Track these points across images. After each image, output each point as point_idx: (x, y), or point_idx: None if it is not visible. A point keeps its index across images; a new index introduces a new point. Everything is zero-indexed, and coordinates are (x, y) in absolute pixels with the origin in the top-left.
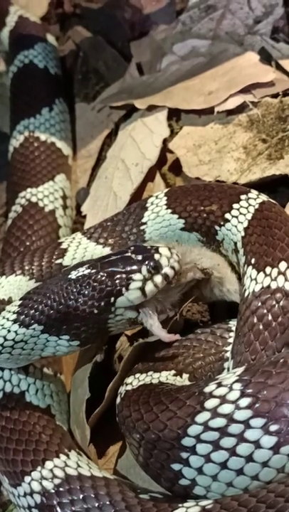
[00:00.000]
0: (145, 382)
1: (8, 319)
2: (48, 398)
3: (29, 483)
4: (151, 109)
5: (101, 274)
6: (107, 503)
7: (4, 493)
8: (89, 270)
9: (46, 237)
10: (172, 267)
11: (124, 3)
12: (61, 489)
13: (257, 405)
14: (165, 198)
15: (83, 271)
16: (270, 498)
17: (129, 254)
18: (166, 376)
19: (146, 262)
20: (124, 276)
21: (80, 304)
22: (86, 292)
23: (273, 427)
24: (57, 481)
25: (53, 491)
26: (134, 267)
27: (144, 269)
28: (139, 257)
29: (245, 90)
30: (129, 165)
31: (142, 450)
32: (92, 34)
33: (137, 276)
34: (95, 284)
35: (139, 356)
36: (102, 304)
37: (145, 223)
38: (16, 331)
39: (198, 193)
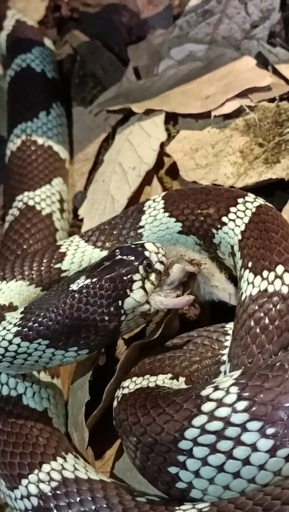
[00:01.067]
0: (142, 385)
1: (9, 331)
2: (45, 401)
3: (26, 486)
4: (149, 113)
5: (103, 281)
6: (104, 505)
7: (1, 495)
8: (89, 280)
9: (43, 240)
10: (161, 262)
11: (121, 7)
12: (58, 492)
13: (254, 408)
14: (162, 201)
15: (84, 281)
16: (266, 501)
17: (120, 256)
18: (163, 379)
19: (141, 261)
20: (125, 278)
21: (89, 314)
22: (93, 301)
23: (270, 430)
24: (54, 484)
25: (50, 494)
26: (132, 268)
27: (141, 268)
28: (132, 258)
29: (242, 94)
30: (127, 168)
31: (138, 453)
32: (89, 38)
33: (136, 276)
34: (101, 291)
35: (135, 358)
36: (112, 309)
37: (143, 227)
38: (18, 344)
39: (196, 197)
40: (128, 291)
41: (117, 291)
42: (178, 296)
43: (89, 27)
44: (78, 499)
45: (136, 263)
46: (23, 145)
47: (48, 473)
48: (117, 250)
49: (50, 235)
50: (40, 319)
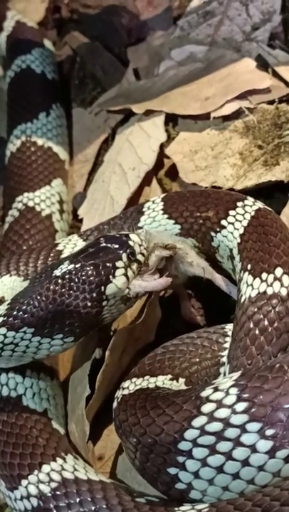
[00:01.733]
0: (142, 386)
1: None
2: (45, 402)
3: (26, 487)
4: (149, 113)
5: (86, 267)
6: (104, 506)
7: (0, 496)
8: (73, 265)
9: (43, 241)
10: (142, 254)
11: (121, 9)
12: (58, 493)
13: (253, 410)
14: (162, 203)
15: (67, 267)
16: (265, 502)
17: (104, 244)
18: (163, 381)
19: (125, 249)
20: (108, 265)
21: (72, 300)
22: (76, 287)
23: (269, 432)
24: (54, 485)
25: (49, 495)
26: (116, 255)
27: (124, 256)
28: (116, 246)
29: (242, 96)
30: (126, 169)
31: (138, 454)
32: (89, 39)
33: (119, 263)
34: (83, 277)
35: (122, 344)
36: (94, 294)
37: (141, 228)
38: (4, 334)
39: (195, 199)
40: (111, 277)
41: (100, 277)
42: (155, 280)
43: (89, 28)
44: (78, 500)
45: (120, 251)
46: (23, 146)
47: (48, 474)
48: (102, 238)
49: (49, 236)
50: (24, 307)
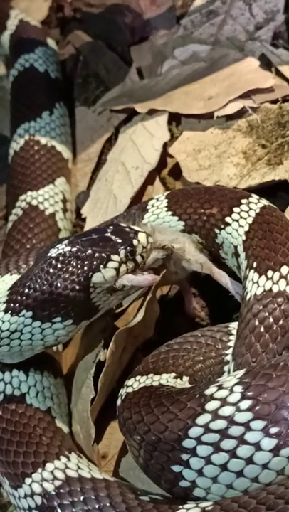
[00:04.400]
0: (146, 384)
1: None
2: (49, 400)
3: (30, 485)
4: (152, 112)
5: (81, 252)
6: (108, 504)
7: (4, 494)
8: (69, 248)
9: (46, 240)
10: (142, 256)
11: (124, 8)
12: (62, 491)
13: (257, 408)
14: (166, 200)
15: (63, 248)
16: (270, 500)
17: (109, 234)
18: (167, 379)
19: (125, 246)
20: (103, 255)
21: (61, 281)
22: (66, 269)
23: (273, 430)
24: (57, 483)
25: (53, 493)
26: (114, 249)
27: (122, 252)
28: (119, 240)
29: (245, 96)
30: (130, 168)
31: (142, 452)
32: (92, 38)
33: (115, 257)
34: (76, 260)
35: (122, 343)
36: (82, 279)
37: (145, 225)
38: (8, 321)
39: (199, 196)
40: (101, 267)
41: (90, 264)
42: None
43: (92, 27)
44: (82, 498)
45: (120, 247)
46: (26, 145)
47: (52, 472)
48: (111, 227)
49: (53, 235)
50: (21, 289)
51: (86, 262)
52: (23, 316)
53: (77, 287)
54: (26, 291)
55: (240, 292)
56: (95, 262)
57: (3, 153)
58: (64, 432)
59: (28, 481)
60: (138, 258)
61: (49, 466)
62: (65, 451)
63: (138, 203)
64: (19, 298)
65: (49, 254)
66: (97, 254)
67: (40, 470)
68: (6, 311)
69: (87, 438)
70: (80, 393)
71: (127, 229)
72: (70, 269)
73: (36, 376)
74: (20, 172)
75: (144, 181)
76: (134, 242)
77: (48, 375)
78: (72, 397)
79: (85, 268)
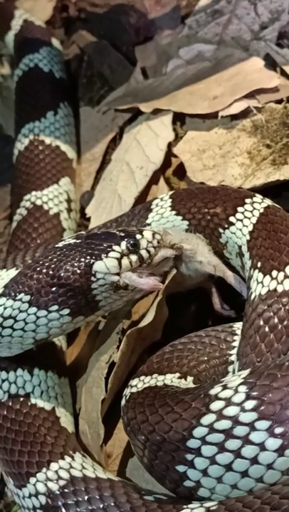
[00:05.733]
0: (150, 384)
1: None
2: (53, 400)
3: (34, 485)
4: (157, 112)
5: (85, 242)
6: (112, 504)
7: (9, 494)
8: (75, 240)
9: (51, 239)
10: (148, 251)
11: (129, 8)
12: (66, 490)
13: (262, 408)
14: (170, 199)
15: (69, 240)
16: (274, 500)
17: (114, 231)
18: (171, 379)
19: (127, 239)
20: (105, 245)
21: (63, 265)
22: (70, 256)
23: (278, 430)
24: (62, 483)
25: (58, 492)
26: (116, 241)
27: (123, 243)
28: (122, 234)
29: (250, 95)
30: (134, 168)
31: (146, 452)
32: (96, 38)
33: (116, 247)
34: (78, 249)
35: (133, 345)
36: (83, 265)
37: (149, 224)
38: (3, 304)
39: (203, 196)
40: (103, 255)
41: (92, 252)
42: (146, 277)
43: (96, 27)
44: (86, 497)
45: (122, 239)
46: (31, 145)
47: (56, 472)
48: (120, 229)
49: (57, 235)
50: (21, 276)
51: (89, 251)
52: (20, 300)
53: (78, 271)
54: (28, 275)
55: None
56: (96, 252)
57: (8, 152)
58: (68, 431)
59: (32, 480)
60: (143, 252)
61: (54, 466)
62: (69, 450)
63: (142, 202)
64: (19, 282)
65: (57, 246)
66: (98, 244)
67: (44, 469)
68: (2, 294)
69: (95, 438)
70: (91, 393)
71: (134, 229)
72: (73, 256)
73: (41, 376)
74: (25, 172)
75: (148, 181)
76: (138, 236)
77: (52, 375)
78: (82, 397)
79: (88, 256)
